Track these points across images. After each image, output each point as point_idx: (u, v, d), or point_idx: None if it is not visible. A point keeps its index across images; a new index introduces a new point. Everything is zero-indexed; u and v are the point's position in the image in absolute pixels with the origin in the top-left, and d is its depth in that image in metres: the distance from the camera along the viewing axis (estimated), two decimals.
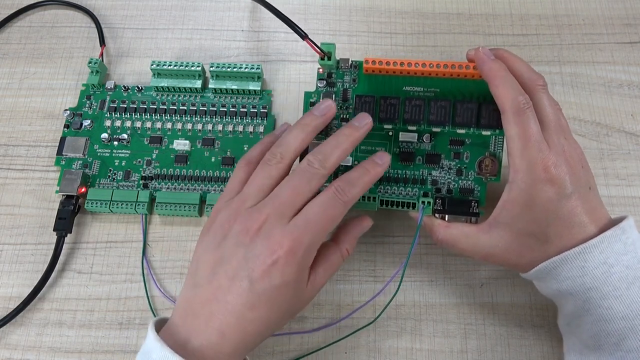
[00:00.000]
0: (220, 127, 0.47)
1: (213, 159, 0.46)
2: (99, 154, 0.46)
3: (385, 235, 0.45)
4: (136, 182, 0.45)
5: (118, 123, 0.47)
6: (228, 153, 0.46)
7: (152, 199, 0.45)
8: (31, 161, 0.48)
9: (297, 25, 0.42)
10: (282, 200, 0.34)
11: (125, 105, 0.48)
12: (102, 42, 0.51)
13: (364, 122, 0.37)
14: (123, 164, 0.46)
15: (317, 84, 0.42)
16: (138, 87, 0.48)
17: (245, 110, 0.47)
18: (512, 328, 0.42)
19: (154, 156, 0.46)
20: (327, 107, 0.37)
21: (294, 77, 0.50)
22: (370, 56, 0.39)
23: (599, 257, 0.33)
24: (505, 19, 0.53)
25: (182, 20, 0.53)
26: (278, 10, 0.43)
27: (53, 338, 0.42)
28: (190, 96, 0.48)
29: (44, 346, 0.42)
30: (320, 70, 0.42)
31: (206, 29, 0.53)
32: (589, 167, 0.36)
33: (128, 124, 0.47)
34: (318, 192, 0.35)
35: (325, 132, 0.41)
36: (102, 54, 0.50)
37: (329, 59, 0.41)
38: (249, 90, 0.48)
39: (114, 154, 0.46)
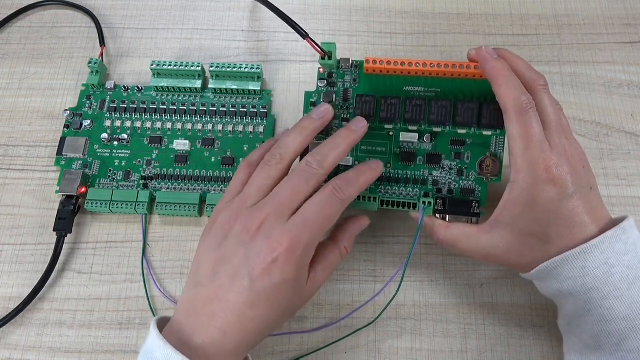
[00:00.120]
0: (220, 127, 0.47)
1: (213, 159, 0.46)
2: (99, 154, 0.46)
3: (385, 236, 0.45)
4: (136, 182, 0.45)
5: (118, 123, 0.47)
6: (228, 153, 0.46)
7: (152, 199, 0.45)
8: (31, 161, 0.48)
9: (298, 25, 0.42)
10: (282, 200, 0.34)
11: (125, 105, 0.47)
12: (102, 42, 0.51)
13: (360, 126, 0.38)
14: (123, 164, 0.46)
15: (317, 84, 0.42)
16: (138, 87, 0.48)
17: (245, 110, 0.47)
18: (512, 328, 0.42)
19: (154, 156, 0.46)
20: (325, 110, 0.39)
21: (293, 77, 0.50)
22: (371, 56, 0.39)
23: (600, 258, 0.33)
24: (505, 19, 0.53)
25: (182, 20, 0.53)
26: (279, 10, 0.43)
27: (53, 338, 0.42)
28: (190, 96, 0.48)
29: (44, 346, 0.42)
30: (321, 70, 0.42)
31: (206, 29, 0.53)
32: (590, 167, 0.37)
33: (128, 124, 0.47)
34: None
35: (325, 133, 0.41)
36: (102, 54, 0.50)
37: (330, 58, 0.41)
38: (249, 90, 0.48)
39: (114, 154, 0.46)
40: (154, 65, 0.47)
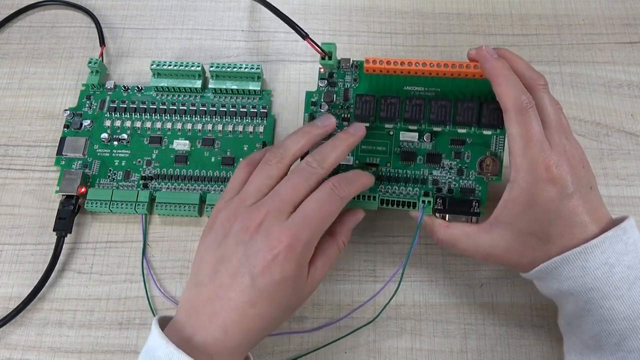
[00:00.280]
0: (220, 127, 0.47)
1: (213, 159, 0.46)
2: (98, 154, 0.46)
3: (385, 235, 0.45)
4: (136, 182, 0.45)
5: (118, 123, 0.47)
6: (228, 153, 0.46)
7: (152, 199, 0.45)
8: (31, 161, 0.48)
9: (298, 25, 0.42)
10: (282, 198, 0.35)
11: (125, 105, 0.47)
12: (102, 42, 0.51)
13: (357, 130, 0.39)
14: (123, 164, 0.46)
15: (318, 84, 0.42)
16: (138, 87, 0.48)
17: (245, 110, 0.47)
18: (512, 328, 0.42)
19: (153, 156, 0.46)
20: (330, 121, 0.39)
21: (293, 77, 0.50)
22: (371, 56, 0.39)
23: (600, 257, 0.33)
24: (505, 19, 0.53)
25: (182, 20, 0.53)
26: (279, 10, 0.43)
27: (53, 338, 0.42)
28: (190, 96, 0.48)
29: (44, 346, 0.41)
30: (322, 70, 0.42)
31: (206, 29, 0.53)
32: (590, 167, 0.36)
33: (128, 124, 0.47)
34: None
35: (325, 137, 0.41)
36: (102, 54, 0.50)
37: (330, 58, 0.41)
38: (249, 90, 0.48)
39: (114, 154, 0.46)
40: (154, 65, 0.47)
